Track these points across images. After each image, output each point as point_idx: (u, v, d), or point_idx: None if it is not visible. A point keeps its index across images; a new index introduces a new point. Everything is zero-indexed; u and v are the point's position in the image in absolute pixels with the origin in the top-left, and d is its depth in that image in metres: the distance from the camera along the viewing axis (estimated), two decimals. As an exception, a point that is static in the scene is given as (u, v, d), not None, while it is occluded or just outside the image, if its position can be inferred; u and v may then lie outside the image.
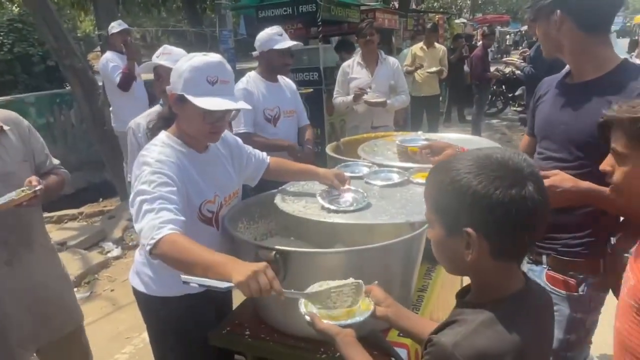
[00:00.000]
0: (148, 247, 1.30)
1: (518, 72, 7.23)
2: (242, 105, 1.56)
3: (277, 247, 1.42)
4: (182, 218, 1.37)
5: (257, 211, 1.92)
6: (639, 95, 1.29)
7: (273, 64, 2.93)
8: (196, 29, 11.65)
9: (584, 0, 1.40)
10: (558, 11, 1.42)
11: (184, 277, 1.19)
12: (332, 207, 1.64)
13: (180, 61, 1.54)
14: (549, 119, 1.59)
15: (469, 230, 0.84)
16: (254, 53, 2.99)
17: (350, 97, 3.80)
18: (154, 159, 1.48)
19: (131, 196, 1.44)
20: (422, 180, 1.84)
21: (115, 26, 4.54)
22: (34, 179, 1.68)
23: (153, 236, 1.29)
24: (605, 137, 1.16)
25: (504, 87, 9.97)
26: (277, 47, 2.83)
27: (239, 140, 1.87)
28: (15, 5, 10.74)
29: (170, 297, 1.65)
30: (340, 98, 3.95)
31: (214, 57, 1.53)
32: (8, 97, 6.62)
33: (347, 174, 1.89)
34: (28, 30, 8.51)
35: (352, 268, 1.45)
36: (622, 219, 1.44)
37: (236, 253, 1.68)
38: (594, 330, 1.68)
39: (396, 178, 1.90)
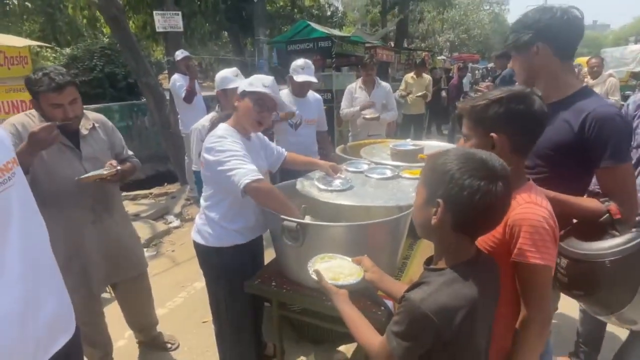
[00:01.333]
0: (249, 180, 1.44)
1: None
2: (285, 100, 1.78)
3: (297, 220, 1.42)
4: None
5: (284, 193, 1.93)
6: (587, 115, 1.22)
7: (295, 87, 2.97)
8: (239, 58, 11.66)
9: (560, 31, 1.30)
10: (539, 42, 1.31)
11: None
12: (322, 187, 1.71)
13: (226, 75, 1.73)
14: None
15: (440, 200, 0.85)
16: (287, 76, 3.00)
17: (356, 108, 3.82)
18: (226, 133, 1.59)
19: (217, 157, 1.52)
20: (409, 175, 1.83)
21: (179, 54, 4.55)
22: (113, 162, 1.80)
23: (255, 175, 1.45)
24: (460, 125, 1.13)
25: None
26: (296, 78, 2.87)
27: (266, 139, 1.93)
28: (106, 37, 10.85)
29: (222, 247, 1.69)
30: (346, 110, 3.98)
31: (265, 76, 1.69)
32: (99, 105, 6.69)
33: (351, 169, 1.89)
34: (115, 55, 8.59)
35: (354, 239, 1.46)
36: (574, 221, 1.35)
37: (266, 223, 1.72)
38: (556, 303, 1.60)
39: (389, 173, 1.89)
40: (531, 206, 0.96)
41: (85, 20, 9.66)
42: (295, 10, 13.97)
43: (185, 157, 4.70)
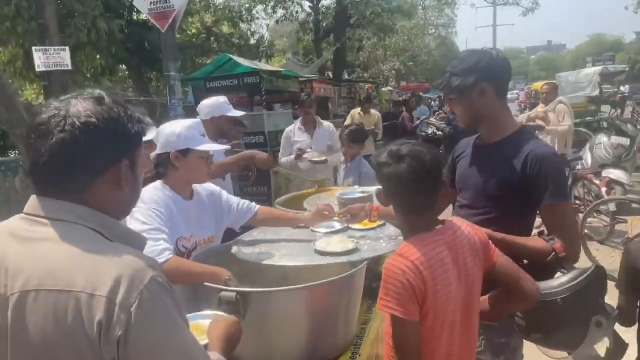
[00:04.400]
0: None
1: (439, 132, 7.91)
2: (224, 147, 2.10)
3: (237, 288, 1.53)
4: (172, 247, 1.65)
5: (214, 260, 2.02)
6: (528, 155, 1.53)
7: (222, 129, 3.12)
8: (146, 98, 11.71)
9: (499, 70, 1.63)
10: (483, 83, 1.58)
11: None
12: (263, 250, 1.89)
13: (166, 128, 1.85)
14: (465, 174, 1.79)
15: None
16: (199, 117, 3.16)
17: (292, 157, 4.12)
18: (149, 197, 1.73)
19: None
20: (360, 227, 2.05)
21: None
22: None
23: (158, 259, 1.52)
24: None
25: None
26: (230, 114, 3.06)
27: (224, 193, 2.10)
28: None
29: None
30: (285, 158, 4.28)
31: (193, 120, 1.95)
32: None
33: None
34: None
35: (304, 304, 1.60)
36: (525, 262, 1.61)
37: (200, 297, 1.80)
38: (522, 349, 1.77)
39: (337, 226, 2.09)
40: (396, 258, 1.23)
41: None
42: (212, 39, 14.56)
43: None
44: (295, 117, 5.87)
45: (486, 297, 1.43)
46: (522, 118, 6.44)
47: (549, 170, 1.51)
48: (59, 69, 5.11)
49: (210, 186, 2.08)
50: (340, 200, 2.42)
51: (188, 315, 1.40)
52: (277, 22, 18.17)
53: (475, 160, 1.75)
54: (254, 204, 2.14)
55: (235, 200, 2.12)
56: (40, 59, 4.87)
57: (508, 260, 1.39)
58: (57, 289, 0.80)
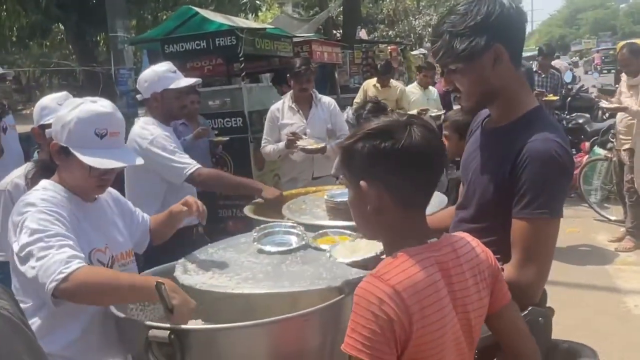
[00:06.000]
0: (54, 284, 1.50)
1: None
2: (137, 161, 1.86)
3: (170, 325, 1.52)
4: (83, 255, 1.61)
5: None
6: (523, 146, 1.49)
7: (169, 107, 3.10)
8: (87, 67, 11.79)
9: (516, 30, 1.57)
10: (498, 44, 1.50)
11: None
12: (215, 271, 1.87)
13: (64, 107, 1.79)
14: (464, 164, 1.78)
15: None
16: (139, 96, 3.20)
17: (282, 144, 4.04)
18: (38, 198, 1.69)
19: (17, 242, 1.63)
20: (325, 246, 1.99)
21: None
22: None
23: (62, 270, 1.51)
24: None
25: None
26: (173, 86, 3.02)
27: (128, 202, 2.13)
28: None
29: None
30: (270, 146, 4.20)
31: (104, 105, 1.79)
32: None
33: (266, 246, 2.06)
34: None
35: (268, 344, 1.59)
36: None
37: (123, 338, 1.79)
38: None
39: (294, 242, 2.08)
40: (372, 280, 1.14)
41: None
42: (179, -13, 14.57)
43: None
44: (282, 93, 5.80)
45: None
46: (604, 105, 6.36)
47: (536, 172, 1.47)
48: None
49: (112, 190, 2.07)
50: (329, 203, 2.40)
51: None
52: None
53: (476, 146, 1.74)
54: (144, 214, 2.18)
55: (138, 211, 2.16)
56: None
57: (518, 311, 1.36)
58: None
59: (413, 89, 7.50)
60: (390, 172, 1.20)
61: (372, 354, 1.09)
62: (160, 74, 3.09)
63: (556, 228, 1.53)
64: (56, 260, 1.55)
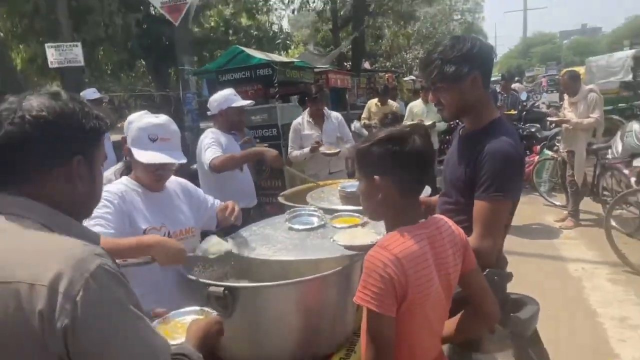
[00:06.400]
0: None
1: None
2: (180, 159, 1.82)
3: (224, 283, 1.53)
4: (112, 231, 1.62)
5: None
6: (484, 146, 1.52)
7: (232, 120, 3.20)
8: (162, 92, 11.89)
9: (487, 60, 1.62)
10: (477, 72, 1.56)
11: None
12: (259, 243, 1.84)
13: (132, 118, 1.86)
14: (446, 162, 1.81)
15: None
16: (209, 113, 3.24)
17: (307, 150, 4.13)
18: (113, 191, 1.75)
19: None
20: (340, 225, 1.98)
21: (90, 94, 4.62)
22: None
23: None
24: None
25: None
26: (235, 105, 3.14)
27: (200, 191, 2.13)
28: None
29: None
30: (296, 152, 4.27)
31: (160, 119, 1.82)
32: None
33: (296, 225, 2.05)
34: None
35: (296, 299, 1.58)
36: None
37: (191, 293, 1.80)
38: None
39: (315, 222, 2.04)
40: (378, 250, 1.18)
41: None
42: (230, 31, 14.61)
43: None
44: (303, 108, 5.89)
45: (449, 320, 1.39)
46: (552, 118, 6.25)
47: (493, 164, 1.50)
48: (72, 65, 5.20)
49: (184, 182, 2.09)
50: (342, 192, 2.40)
51: (173, 312, 1.41)
52: (293, 12, 18.03)
53: (454, 148, 1.76)
54: (217, 201, 2.15)
55: (210, 199, 2.14)
56: (53, 55, 4.97)
57: (481, 273, 1.37)
58: None
59: (417, 104, 7.36)
60: (397, 169, 1.22)
61: (378, 305, 1.12)
62: (226, 96, 3.20)
63: (507, 207, 1.55)
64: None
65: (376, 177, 1.24)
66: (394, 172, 1.23)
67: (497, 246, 1.54)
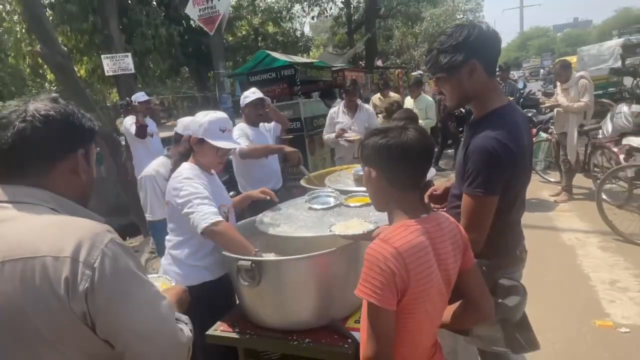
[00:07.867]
0: (207, 224, 1.63)
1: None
2: (241, 144, 2.01)
3: (252, 257, 1.51)
4: (215, 209, 1.73)
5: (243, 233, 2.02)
6: (472, 145, 1.36)
7: (250, 114, 3.19)
8: (202, 94, 11.95)
9: (490, 48, 1.38)
10: (473, 60, 1.35)
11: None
12: (282, 222, 1.85)
13: (198, 116, 1.90)
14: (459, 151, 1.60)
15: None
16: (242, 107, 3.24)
17: (333, 135, 4.17)
18: (190, 174, 1.81)
19: (180, 197, 1.74)
20: (354, 204, 1.94)
21: (139, 97, 4.64)
22: None
23: (213, 218, 1.63)
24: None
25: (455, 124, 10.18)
26: (247, 101, 3.14)
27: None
28: (52, 84, 11.00)
29: (191, 285, 1.68)
30: (327, 135, 4.35)
31: (222, 114, 1.94)
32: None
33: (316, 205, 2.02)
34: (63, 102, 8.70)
35: (312, 270, 1.55)
36: None
37: (227, 265, 1.80)
38: None
39: (332, 202, 2.00)
40: (379, 243, 1.05)
41: (28, 70, 9.81)
42: (259, 38, 14.54)
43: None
44: (327, 106, 5.89)
45: (448, 307, 1.25)
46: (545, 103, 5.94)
47: (474, 160, 1.33)
48: (124, 72, 5.25)
49: None
50: (355, 176, 2.34)
51: None
52: (312, 18, 17.76)
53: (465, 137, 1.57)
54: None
55: None
56: (108, 65, 5.03)
57: (479, 271, 1.23)
58: (23, 257, 0.79)
59: (407, 100, 7.09)
60: (385, 161, 1.11)
61: (379, 299, 1.01)
62: (245, 95, 3.20)
63: (491, 203, 1.35)
64: (208, 211, 1.67)
65: (366, 168, 1.15)
66: (381, 164, 1.12)
67: (482, 239, 1.36)
